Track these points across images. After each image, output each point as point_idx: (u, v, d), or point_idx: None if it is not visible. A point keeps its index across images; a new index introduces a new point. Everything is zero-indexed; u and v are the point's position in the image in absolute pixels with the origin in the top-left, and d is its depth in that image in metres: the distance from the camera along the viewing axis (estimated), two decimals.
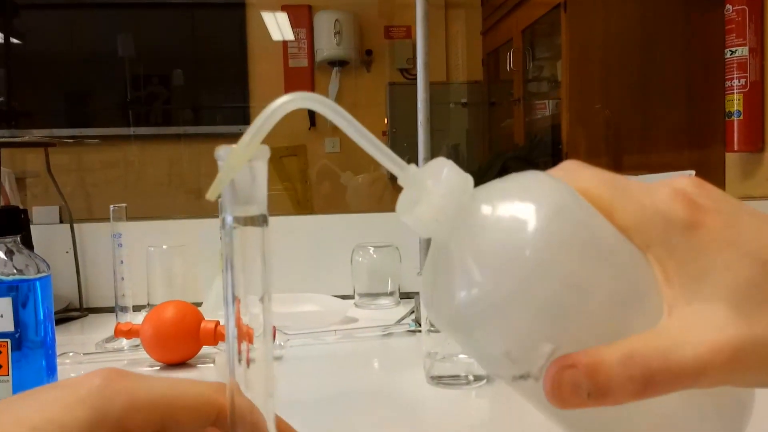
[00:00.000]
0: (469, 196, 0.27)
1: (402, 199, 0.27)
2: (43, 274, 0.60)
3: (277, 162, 2.60)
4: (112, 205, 0.79)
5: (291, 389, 0.65)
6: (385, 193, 1.84)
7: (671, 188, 0.27)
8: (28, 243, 0.90)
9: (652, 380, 0.24)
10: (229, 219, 0.26)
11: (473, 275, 0.26)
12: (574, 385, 0.24)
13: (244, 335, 0.28)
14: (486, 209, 0.27)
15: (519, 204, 0.26)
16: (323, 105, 0.25)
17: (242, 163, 0.24)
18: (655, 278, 0.26)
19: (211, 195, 0.24)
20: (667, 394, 0.25)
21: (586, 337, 0.25)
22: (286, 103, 0.25)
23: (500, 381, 0.61)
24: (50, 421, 0.26)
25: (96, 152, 2.71)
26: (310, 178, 2.65)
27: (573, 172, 0.29)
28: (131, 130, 2.87)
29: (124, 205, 0.79)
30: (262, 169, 0.26)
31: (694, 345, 0.24)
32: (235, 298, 0.26)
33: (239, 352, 0.27)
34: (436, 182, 0.27)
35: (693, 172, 0.28)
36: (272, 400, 0.28)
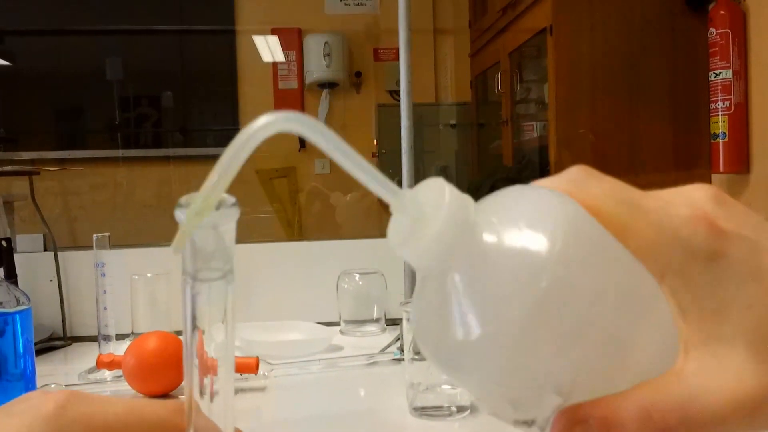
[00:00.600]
0: (472, 222, 0.24)
1: (394, 227, 0.24)
2: (23, 307, 0.59)
3: (266, 183, 2.60)
4: (95, 234, 0.78)
5: (274, 419, 0.65)
6: (372, 210, 1.84)
7: (691, 208, 0.24)
8: (11, 272, 0.89)
9: None
10: (188, 281, 0.23)
11: (476, 311, 0.23)
12: None
13: (208, 369, 0.26)
14: (489, 237, 0.23)
15: (527, 232, 0.23)
16: (305, 126, 0.22)
17: (205, 214, 0.22)
18: (671, 311, 0.24)
19: (174, 249, 0.22)
20: None
21: (599, 380, 0.23)
22: (264, 126, 0.21)
23: (483, 413, 0.61)
24: None
25: (83, 175, 2.70)
26: (299, 200, 2.65)
27: (581, 184, 0.25)
28: (120, 152, 2.86)
29: (107, 234, 0.79)
30: (230, 231, 0.23)
31: (712, 396, 0.23)
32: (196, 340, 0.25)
33: (202, 386, 0.26)
34: (436, 209, 0.23)
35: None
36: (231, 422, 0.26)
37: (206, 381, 0.26)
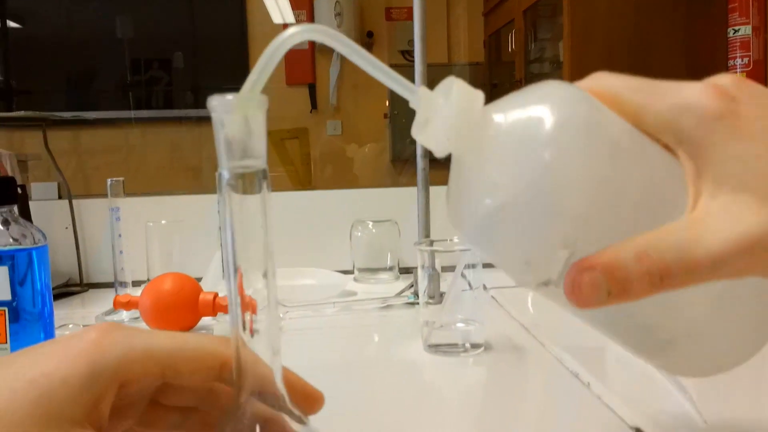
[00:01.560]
0: (480, 110, 0.27)
1: (415, 121, 0.28)
2: (40, 244, 0.60)
3: (278, 145, 2.59)
4: (109, 179, 0.78)
5: (289, 359, 0.65)
6: (386, 162, 1.84)
7: (705, 83, 0.26)
8: (26, 218, 0.90)
9: (668, 274, 0.24)
10: (225, 175, 0.24)
11: (490, 181, 0.27)
12: (593, 285, 0.24)
13: (247, 305, 0.27)
14: (498, 118, 0.27)
15: (531, 108, 0.27)
16: (328, 35, 0.25)
17: (253, 97, 0.24)
18: (686, 176, 0.26)
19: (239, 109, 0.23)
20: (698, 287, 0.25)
21: (603, 239, 0.25)
22: (292, 35, 0.24)
23: (496, 350, 0.61)
24: (46, 375, 0.26)
25: (96, 136, 2.70)
26: (312, 160, 2.64)
27: (599, 79, 0.28)
28: (132, 113, 2.86)
29: (121, 179, 0.79)
30: (259, 120, 0.25)
31: (711, 237, 0.24)
32: (235, 263, 0.26)
33: (243, 321, 0.27)
34: (446, 99, 0.27)
35: None
36: (278, 357, 0.28)
37: (247, 317, 0.27)
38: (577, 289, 0.25)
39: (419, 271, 0.68)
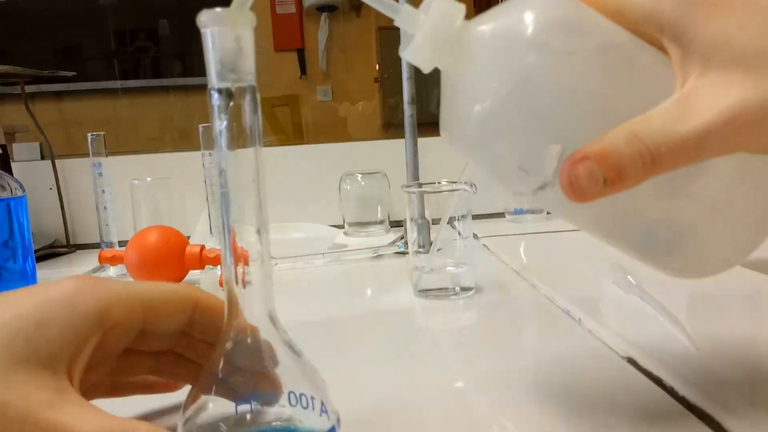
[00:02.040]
0: (461, 21, 0.28)
1: (402, 40, 0.29)
2: (18, 195, 0.58)
3: (269, 113, 2.56)
4: (90, 134, 0.77)
5: (278, 307, 0.64)
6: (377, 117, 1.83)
7: None
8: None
9: (658, 154, 0.24)
10: (215, 96, 0.26)
11: (479, 87, 0.27)
12: (588, 175, 0.25)
13: (239, 257, 0.28)
14: (482, 26, 0.28)
15: (513, 13, 0.27)
16: None
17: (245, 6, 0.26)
18: (673, 64, 0.26)
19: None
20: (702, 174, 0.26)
21: (594, 132, 0.25)
22: None
23: (486, 292, 0.60)
24: (19, 317, 0.25)
25: (84, 107, 2.67)
26: (304, 127, 2.62)
27: None
28: (119, 83, 2.82)
29: (102, 133, 0.77)
30: (248, 38, 0.26)
31: (696, 114, 0.24)
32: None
33: (236, 274, 0.28)
34: (426, 15, 0.28)
35: None
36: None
37: (239, 269, 0.28)
38: (574, 182, 0.25)
39: (407, 222, 0.67)
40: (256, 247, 0.28)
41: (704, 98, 0.24)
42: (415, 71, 0.78)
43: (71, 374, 0.26)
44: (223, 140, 0.26)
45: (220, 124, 0.26)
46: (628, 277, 0.57)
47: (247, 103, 0.26)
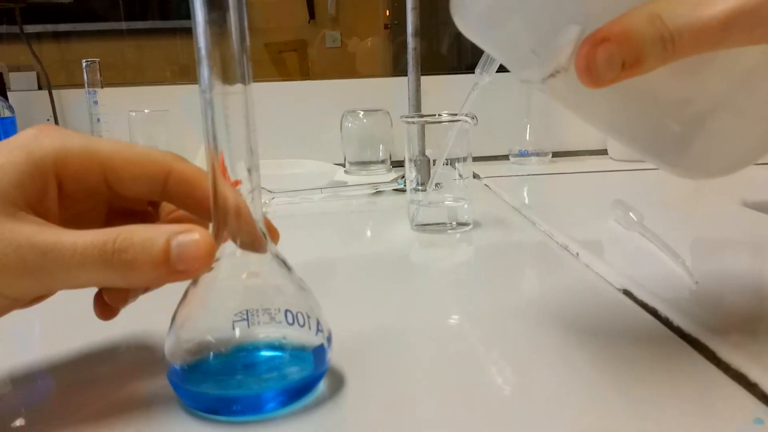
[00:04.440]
0: None
1: None
2: (7, 115, 0.57)
3: (276, 58, 2.52)
4: (84, 60, 0.75)
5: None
6: (387, 51, 1.81)
7: None
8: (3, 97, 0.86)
9: (680, 37, 0.23)
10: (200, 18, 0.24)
11: None
12: (608, 58, 0.23)
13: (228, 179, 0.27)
14: None
15: None
16: None
17: None
18: None
19: None
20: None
21: (613, 12, 0.24)
22: None
23: (484, 227, 0.59)
24: None
25: (90, 49, 2.63)
26: (311, 72, 2.58)
27: None
28: (124, 25, 2.77)
29: (97, 59, 0.75)
30: None
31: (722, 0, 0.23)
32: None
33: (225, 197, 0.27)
34: None
35: None
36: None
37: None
38: (592, 64, 0.24)
39: (406, 161, 0.65)
40: (246, 186, 0.27)
41: None
42: (421, 3, 0.75)
43: (45, 218, 0.26)
44: (206, 65, 0.25)
45: (204, 39, 0.24)
46: (630, 213, 0.55)
47: (232, 10, 0.24)
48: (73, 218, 0.28)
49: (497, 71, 0.56)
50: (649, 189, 0.77)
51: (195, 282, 0.27)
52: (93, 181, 0.28)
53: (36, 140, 0.27)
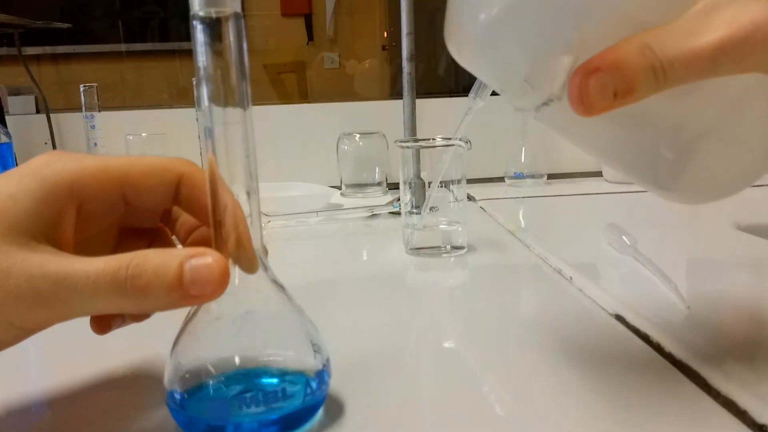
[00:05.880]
0: None
1: None
2: (4, 141, 0.57)
3: (275, 80, 2.53)
4: (82, 85, 0.75)
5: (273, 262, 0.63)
6: (385, 75, 1.82)
7: None
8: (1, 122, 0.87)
9: (670, 67, 0.23)
10: (198, 27, 0.25)
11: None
12: (600, 87, 0.24)
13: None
14: None
15: None
16: None
17: None
18: None
19: None
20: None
21: (606, 43, 0.24)
22: None
23: (479, 251, 0.59)
24: None
25: (89, 70, 2.64)
26: (309, 94, 2.59)
27: None
28: (123, 47, 2.79)
29: (94, 84, 0.76)
30: None
31: (713, 29, 0.23)
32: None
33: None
34: None
35: None
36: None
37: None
38: (584, 93, 0.24)
39: (401, 185, 0.65)
40: (245, 209, 0.27)
41: (722, 13, 0.23)
42: (416, 29, 0.76)
43: (58, 245, 0.26)
44: (205, 87, 0.25)
45: (204, 60, 0.25)
46: (623, 237, 0.56)
47: (231, 33, 0.25)
48: (85, 242, 0.28)
49: (492, 94, 0.57)
50: (643, 211, 0.77)
51: (195, 309, 0.28)
52: (112, 197, 0.28)
53: (49, 166, 0.27)
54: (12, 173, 0.27)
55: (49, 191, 0.26)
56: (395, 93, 2.69)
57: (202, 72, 0.25)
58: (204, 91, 0.25)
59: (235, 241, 0.27)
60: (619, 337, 0.39)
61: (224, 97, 0.25)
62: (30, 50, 2.62)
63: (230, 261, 0.27)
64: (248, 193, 0.27)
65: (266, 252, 0.30)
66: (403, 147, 0.62)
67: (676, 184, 0.29)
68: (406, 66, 0.75)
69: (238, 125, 0.26)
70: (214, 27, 0.24)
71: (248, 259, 0.28)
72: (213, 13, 0.24)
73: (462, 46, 0.29)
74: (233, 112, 0.26)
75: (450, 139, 0.58)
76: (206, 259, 0.25)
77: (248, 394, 0.27)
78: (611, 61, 0.24)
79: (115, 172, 0.28)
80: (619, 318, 0.42)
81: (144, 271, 0.24)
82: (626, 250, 0.55)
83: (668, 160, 0.28)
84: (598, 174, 1.04)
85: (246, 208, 0.27)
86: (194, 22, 0.24)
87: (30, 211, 0.25)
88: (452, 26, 0.29)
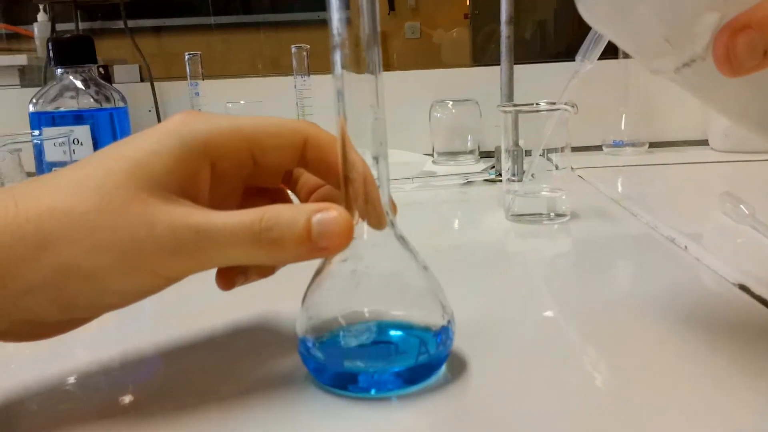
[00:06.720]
0: None
1: None
2: (121, 105, 0.60)
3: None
4: (187, 53, 0.78)
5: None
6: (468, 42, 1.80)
7: None
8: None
9: None
10: None
11: None
12: (749, 46, 0.23)
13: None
14: None
15: None
16: None
17: None
18: None
19: None
20: None
21: (750, 3, 0.23)
22: None
23: (584, 219, 0.58)
24: (137, 149, 0.27)
25: (180, 43, 2.72)
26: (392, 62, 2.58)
27: None
28: (212, 20, 2.86)
29: (198, 52, 0.78)
30: None
31: None
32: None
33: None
34: None
35: None
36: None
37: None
38: (731, 53, 0.23)
39: (501, 150, 0.64)
40: (374, 172, 0.28)
41: None
42: None
43: (195, 201, 0.27)
44: (339, 53, 0.26)
45: (338, 27, 0.26)
46: (741, 206, 0.53)
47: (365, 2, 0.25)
48: (215, 199, 0.30)
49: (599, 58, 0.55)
50: (757, 181, 0.73)
51: (325, 262, 0.28)
52: (242, 156, 0.29)
53: (185, 125, 0.28)
54: (151, 132, 0.28)
55: (187, 150, 0.27)
56: (480, 61, 2.64)
57: (336, 39, 0.25)
58: (338, 57, 0.26)
59: (363, 197, 0.27)
60: (745, 306, 0.38)
61: (356, 62, 0.26)
62: (128, 22, 2.73)
63: (359, 217, 0.28)
64: (376, 158, 0.27)
65: (395, 209, 0.30)
66: (505, 112, 0.61)
67: None
68: (504, 29, 0.74)
69: (368, 89, 0.26)
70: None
71: (377, 215, 0.28)
72: None
73: (592, 4, 0.27)
74: (363, 77, 0.26)
75: (554, 103, 0.57)
76: (331, 213, 0.26)
77: (377, 346, 0.27)
78: (761, 17, 0.23)
79: (245, 132, 0.29)
80: (743, 287, 0.40)
81: (276, 224, 0.25)
82: (744, 219, 0.52)
83: None
84: (704, 143, 0.99)
85: (374, 172, 0.27)
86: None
87: (171, 168, 0.27)
88: None
